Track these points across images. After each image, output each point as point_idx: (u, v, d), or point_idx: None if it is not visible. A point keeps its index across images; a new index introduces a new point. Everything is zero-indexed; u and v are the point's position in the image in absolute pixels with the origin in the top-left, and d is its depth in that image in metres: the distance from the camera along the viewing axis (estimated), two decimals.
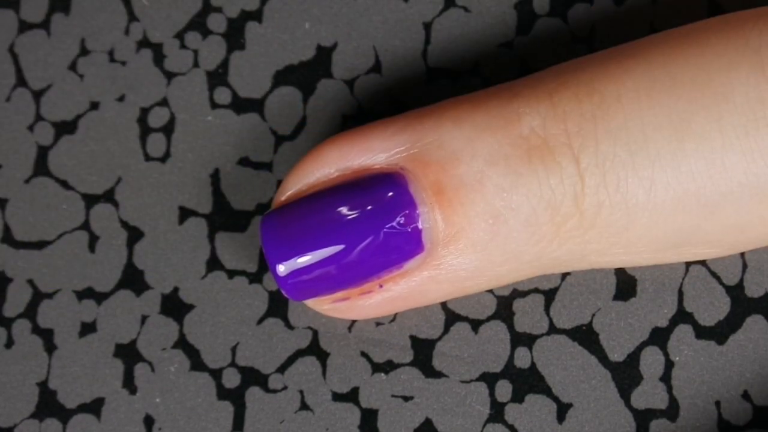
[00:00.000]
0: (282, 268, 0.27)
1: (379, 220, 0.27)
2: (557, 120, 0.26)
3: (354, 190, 0.27)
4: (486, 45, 0.31)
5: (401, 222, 0.27)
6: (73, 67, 0.31)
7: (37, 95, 0.31)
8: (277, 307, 0.30)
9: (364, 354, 0.30)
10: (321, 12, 0.31)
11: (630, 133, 0.26)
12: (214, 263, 0.30)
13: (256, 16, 0.31)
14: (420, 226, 0.27)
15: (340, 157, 0.28)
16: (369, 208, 0.27)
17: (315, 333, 0.30)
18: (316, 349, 0.30)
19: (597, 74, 0.26)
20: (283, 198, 0.28)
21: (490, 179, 0.26)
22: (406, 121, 0.28)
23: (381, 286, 0.28)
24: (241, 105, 0.31)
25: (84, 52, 0.31)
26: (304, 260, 0.27)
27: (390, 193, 0.27)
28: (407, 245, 0.27)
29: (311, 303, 0.28)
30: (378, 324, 0.30)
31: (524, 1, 0.31)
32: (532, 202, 0.26)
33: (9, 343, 0.30)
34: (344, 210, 0.27)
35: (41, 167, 0.31)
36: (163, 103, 0.31)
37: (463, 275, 0.27)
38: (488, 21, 0.31)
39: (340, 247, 0.27)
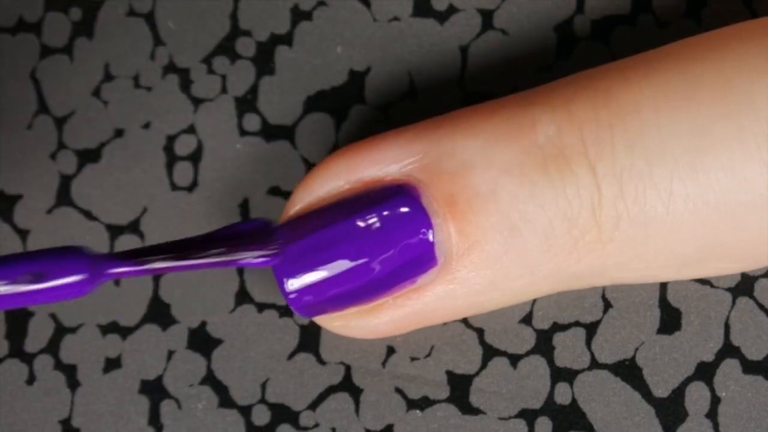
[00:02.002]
0: (291, 285, 0.27)
1: (392, 235, 0.26)
2: (573, 128, 0.26)
3: (365, 205, 0.27)
4: (525, 69, 0.30)
5: (414, 236, 0.26)
6: (97, 93, 0.31)
7: (60, 122, 0.31)
8: (309, 341, 0.30)
9: (398, 390, 0.29)
10: (353, 35, 0.30)
11: (648, 142, 0.25)
12: (243, 296, 0.30)
13: (287, 39, 0.31)
14: (433, 240, 0.26)
15: (349, 168, 0.27)
16: (381, 223, 0.26)
17: (348, 368, 0.30)
18: (348, 385, 0.30)
19: (614, 81, 0.26)
20: (291, 212, 0.28)
21: (504, 189, 0.26)
22: (417, 130, 0.27)
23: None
24: (271, 132, 0.30)
25: (108, 77, 0.31)
26: (313, 277, 0.27)
27: (402, 208, 0.26)
28: (420, 259, 0.26)
29: (320, 320, 0.28)
30: (413, 359, 0.29)
31: (565, 24, 0.30)
32: (549, 213, 0.26)
33: (31, 380, 0.30)
34: (356, 225, 0.26)
35: (64, 197, 0.31)
36: (190, 130, 0.31)
37: (478, 289, 0.27)
38: (527, 44, 0.30)
39: (352, 263, 0.26)
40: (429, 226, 0.26)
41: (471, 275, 0.27)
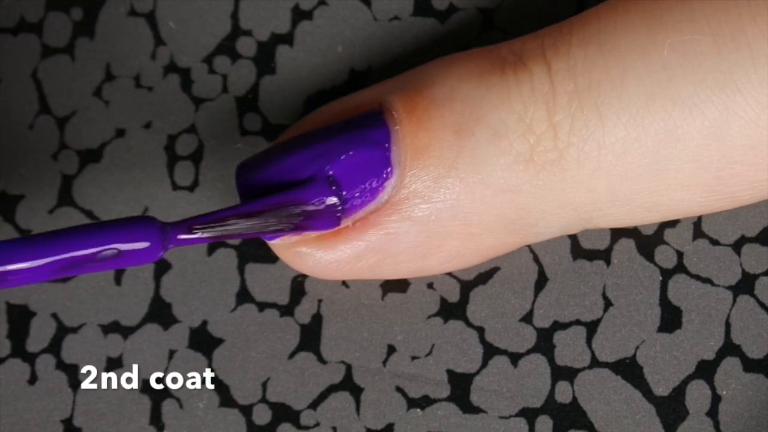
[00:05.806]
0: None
1: (352, 138, 0.27)
2: (536, 40, 0.27)
3: (331, 124, 0.27)
4: None
5: (372, 142, 0.27)
6: (98, 93, 0.31)
7: (62, 122, 0.31)
8: (310, 340, 0.30)
9: (399, 389, 0.29)
10: (354, 35, 0.30)
11: (603, 35, 0.26)
12: (243, 296, 0.30)
13: (287, 39, 0.31)
14: (390, 147, 0.27)
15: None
16: (342, 132, 0.27)
17: (348, 367, 0.30)
18: (349, 384, 0.29)
19: (582, 16, 0.27)
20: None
21: (460, 93, 0.26)
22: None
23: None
24: (272, 132, 0.30)
25: (109, 77, 0.31)
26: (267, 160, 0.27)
27: (366, 119, 0.27)
28: (377, 163, 0.27)
29: (283, 247, 0.28)
30: (414, 358, 0.29)
31: None
32: (501, 112, 0.26)
33: (32, 379, 0.30)
34: (317, 138, 0.27)
35: (65, 197, 0.31)
36: (191, 129, 0.31)
37: (434, 212, 0.27)
38: None
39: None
40: (387, 132, 0.27)
41: (424, 187, 0.27)
